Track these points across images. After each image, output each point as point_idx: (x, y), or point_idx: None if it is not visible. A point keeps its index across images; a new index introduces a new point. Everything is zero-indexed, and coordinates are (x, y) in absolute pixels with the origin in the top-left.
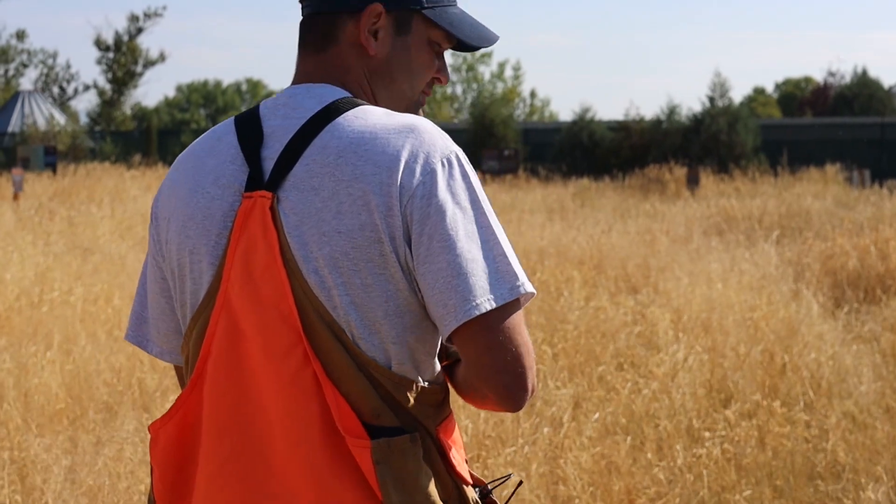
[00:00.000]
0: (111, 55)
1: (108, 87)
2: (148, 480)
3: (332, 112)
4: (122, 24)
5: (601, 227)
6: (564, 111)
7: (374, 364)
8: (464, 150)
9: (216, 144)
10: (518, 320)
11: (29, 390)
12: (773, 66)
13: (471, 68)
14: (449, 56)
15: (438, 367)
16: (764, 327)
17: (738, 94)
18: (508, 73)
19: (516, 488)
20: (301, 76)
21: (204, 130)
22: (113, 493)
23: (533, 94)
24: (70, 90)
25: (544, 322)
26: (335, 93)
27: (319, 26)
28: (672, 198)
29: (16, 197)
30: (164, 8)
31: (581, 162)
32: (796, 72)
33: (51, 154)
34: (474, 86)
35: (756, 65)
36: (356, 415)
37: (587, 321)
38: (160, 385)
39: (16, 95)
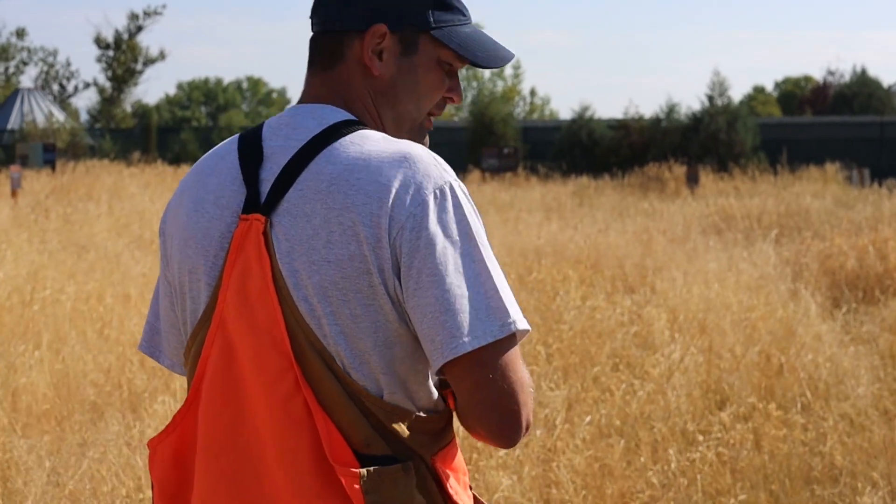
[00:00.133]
0: (111, 53)
1: (108, 84)
2: (130, 484)
3: (330, 135)
4: (121, 23)
5: (599, 225)
6: (564, 110)
7: (365, 393)
8: (463, 148)
9: (219, 163)
10: (511, 357)
11: (16, 390)
12: (772, 65)
13: (470, 66)
14: None
15: (436, 395)
16: (761, 328)
17: (737, 93)
18: (508, 71)
19: None
20: (307, 95)
21: (204, 128)
22: (94, 497)
23: (533, 93)
24: (70, 88)
25: (539, 322)
26: (337, 114)
27: (326, 45)
28: (671, 196)
29: (14, 194)
30: (164, 6)
31: (580, 160)
32: (796, 71)
33: (50, 151)
34: (474, 84)
35: (756, 64)
36: (347, 443)
37: (583, 321)
38: (149, 386)
39: (15, 93)
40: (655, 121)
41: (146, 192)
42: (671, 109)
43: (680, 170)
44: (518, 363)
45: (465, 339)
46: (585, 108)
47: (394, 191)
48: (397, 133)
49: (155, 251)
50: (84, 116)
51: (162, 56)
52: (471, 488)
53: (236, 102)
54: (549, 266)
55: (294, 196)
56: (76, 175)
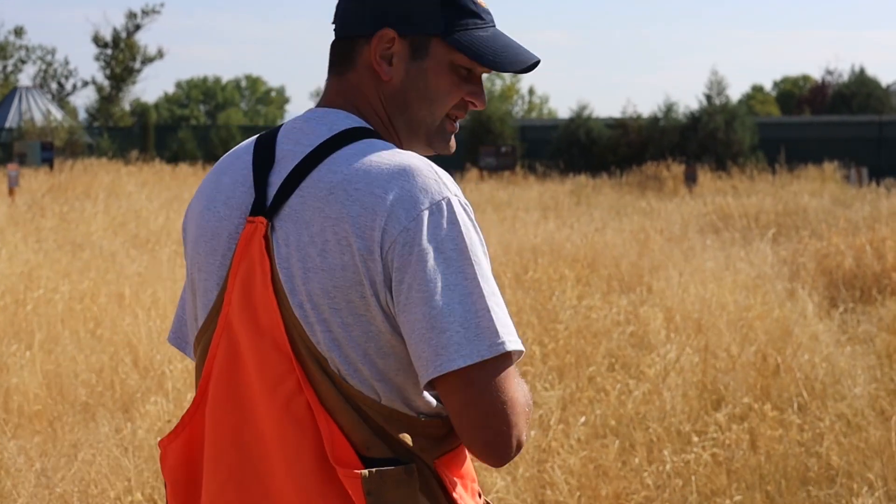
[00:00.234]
0: (109, 52)
1: (106, 83)
2: (119, 486)
3: (337, 143)
4: (120, 21)
5: (596, 224)
6: (562, 109)
7: (361, 397)
8: (461, 147)
9: (234, 162)
10: (503, 377)
11: (8, 390)
12: (771, 65)
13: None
14: None
15: (435, 402)
16: (757, 327)
17: (736, 92)
18: None
19: None
20: (324, 99)
21: (203, 126)
22: (83, 500)
23: (531, 92)
24: (68, 86)
25: (535, 321)
26: (347, 121)
27: (341, 50)
28: (669, 195)
29: (11, 192)
30: (163, 5)
31: (578, 159)
32: (794, 70)
33: (47, 150)
34: None
35: (754, 63)
36: (350, 444)
37: (578, 321)
38: (141, 386)
39: (13, 91)
40: (653, 120)
41: (143, 190)
42: (669, 108)
43: (678, 169)
44: (509, 383)
45: (451, 358)
46: (583, 107)
47: (389, 204)
48: (412, 138)
49: (150, 250)
50: (82, 115)
51: (160, 55)
52: (480, 495)
53: (235, 101)
54: (546, 265)
55: (296, 202)
56: (74, 173)
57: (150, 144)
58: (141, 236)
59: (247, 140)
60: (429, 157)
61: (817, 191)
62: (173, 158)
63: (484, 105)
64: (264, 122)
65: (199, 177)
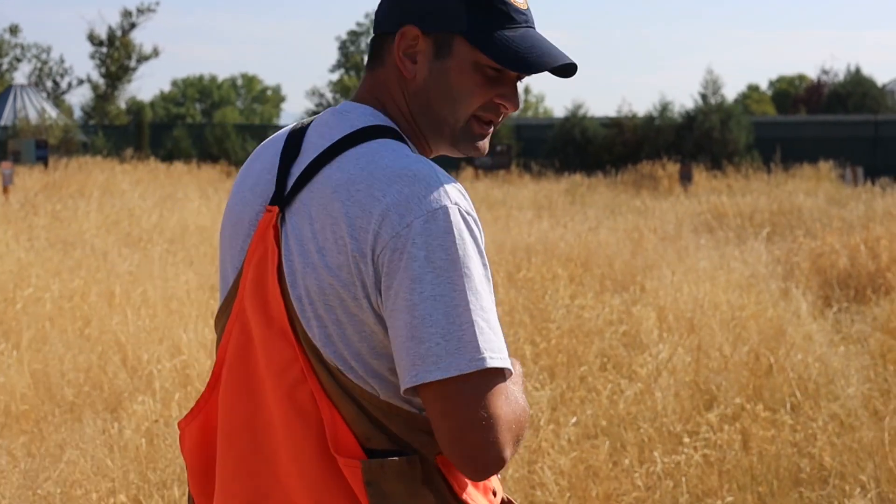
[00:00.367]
0: (105, 50)
1: (101, 81)
2: (103, 487)
3: (352, 140)
4: (115, 19)
5: (590, 223)
6: (558, 108)
7: (360, 390)
8: None
9: (268, 149)
10: (486, 393)
11: None
12: (767, 64)
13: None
14: None
15: None
16: (751, 327)
17: (732, 92)
18: None
19: None
20: (356, 94)
21: (198, 125)
22: (66, 500)
23: (527, 91)
24: (64, 84)
25: (527, 320)
26: (368, 118)
27: (373, 46)
28: (664, 194)
29: (5, 191)
30: (158, 3)
31: (574, 158)
32: (790, 69)
33: (42, 148)
34: None
35: (750, 62)
36: (352, 434)
37: (571, 320)
38: (129, 385)
39: (8, 89)
40: (649, 119)
41: (137, 188)
42: (665, 108)
43: (673, 168)
44: (494, 400)
45: (428, 370)
46: (579, 106)
47: (384, 208)
48: (437, 138)
49: (142, 248)
50: (78, 113)
51: (156, 53)
52: (495, 493)
53: (231, 99)
54: (539, 264)
55: (306, 197)
56: (68, 172)
57: (145, 143)
58: (133, 234)
59: (286, 127)
60: (432, 157)
61: (812, 190)
62: (168, 157)
63: (515, 108)
64: (260, 120)
65: (193, 175)
